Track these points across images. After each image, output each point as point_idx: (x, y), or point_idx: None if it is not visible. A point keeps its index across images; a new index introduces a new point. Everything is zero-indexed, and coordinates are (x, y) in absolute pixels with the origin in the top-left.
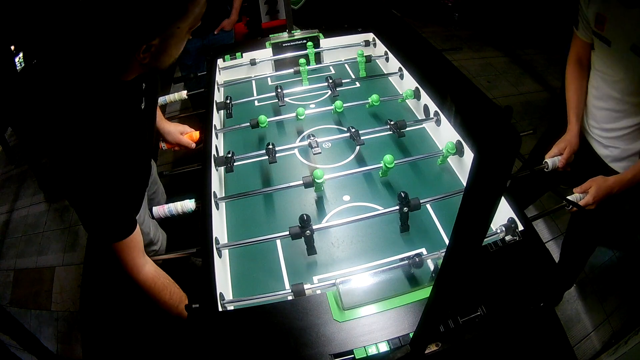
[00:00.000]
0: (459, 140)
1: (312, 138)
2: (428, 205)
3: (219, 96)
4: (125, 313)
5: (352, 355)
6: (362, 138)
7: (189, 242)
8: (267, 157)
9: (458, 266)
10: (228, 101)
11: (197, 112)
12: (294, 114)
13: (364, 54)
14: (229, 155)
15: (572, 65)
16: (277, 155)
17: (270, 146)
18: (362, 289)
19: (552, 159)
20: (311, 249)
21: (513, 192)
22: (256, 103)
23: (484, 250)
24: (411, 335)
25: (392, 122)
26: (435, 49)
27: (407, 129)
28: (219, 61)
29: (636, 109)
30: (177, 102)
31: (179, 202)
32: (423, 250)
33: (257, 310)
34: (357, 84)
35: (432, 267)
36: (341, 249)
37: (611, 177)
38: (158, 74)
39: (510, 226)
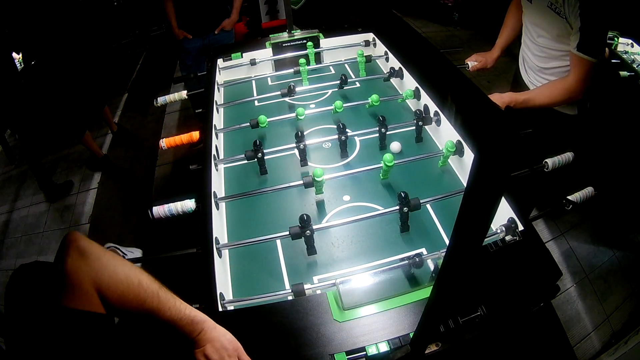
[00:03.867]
0: (459, 140)
1: (301, 146)
2: (428, 205)
3: (219, 96)
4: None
5: (364, 353)
6: (360, 139)
7: (189, 242)
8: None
9: (458, 266)
10: (292, 87)
11: (197, 111)
12: (294, 114)
13: (364, 54)
14: (257, 145)
15: (513, 6)
16: (276, 155)
17: (258, 143)
18: (362, 289)
19: (552, 159)
20: (311, 249)
21: (514, 192)
22: (256, 103)
23: (484, 250)
24: (411, 335)
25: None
26: (435, 49)
27: (407, 129)
28: (219, 61)
29: (555, 53)
30: (177, 102)
31: (179, 202)
32: (423, 250)
33: (257, 310)
34: (357, 84)
35: (432, 267)
36: (341, 249)
37: (507, 93)
38: None
39: (510, 226)
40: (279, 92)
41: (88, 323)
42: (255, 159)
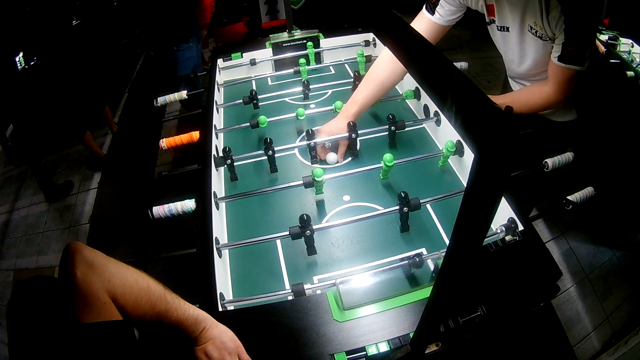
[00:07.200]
0: (459, 140)
1: (311, 143)
2: (428, 205)
3: (219, 96)
4: None
5: (364, 353)
6: (360, 139)
7: (189, 242)
8: (265, 156)
9: (458, 266)
10: (253, 95)
11: (197, 112)
12: (294, 114)
13: (364, 54)
14: (227, 151)
15: (388, 57)
16: (276, 154)
17: (269, 141)
18: (362, 289)
19: (552, 159)
20: (311, 249)
21: (516, 193)
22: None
23: (484, 250)
24: (411, 335)
25: (391, 118)
26: (435, 49)
27: (407, 129)
28: (219, 61)
29: (544, 75)
30: (177, 102)
31: (179, 202)
32: (423, 250)
33: (257, 310)
34: (357, 84)
35: (432, 267)
36: (341, 249)
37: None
38: None
39: (510, 226)
40: (241, 100)
41: (115, 333)
42: (266, 157)
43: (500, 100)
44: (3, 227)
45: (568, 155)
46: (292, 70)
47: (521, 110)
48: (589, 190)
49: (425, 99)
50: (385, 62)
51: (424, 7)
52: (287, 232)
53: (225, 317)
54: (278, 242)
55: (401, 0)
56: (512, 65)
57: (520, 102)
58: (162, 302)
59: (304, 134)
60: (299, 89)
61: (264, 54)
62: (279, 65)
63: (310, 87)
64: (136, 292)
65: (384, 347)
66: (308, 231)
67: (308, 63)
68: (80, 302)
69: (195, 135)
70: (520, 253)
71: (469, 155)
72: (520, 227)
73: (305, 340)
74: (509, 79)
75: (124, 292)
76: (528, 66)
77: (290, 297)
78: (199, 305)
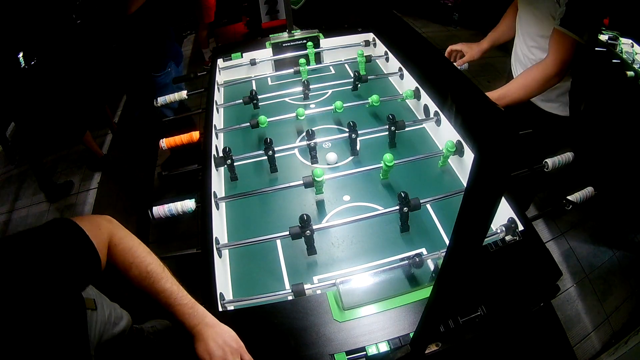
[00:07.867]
0: (459, 140)
1: (311, 143)
2: (428, 206)
3: (219, 96)
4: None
5: (364, 353)
6: (359, 139)
7: (189, 242)
8: (265, 156)
9: (458, 266)
10: (253, 95)
11: (197, 111)
12: (294, 114)
13: (364, 54)
14: (227, 151)
15: (512, 6)
16: (276, 154)
17: (269, 141)
18: (362, 289)
19: (552, 159)
20: (311, 249)
21: (513, 192)
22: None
23: (484, 250)
24: (411, 335)
25: (391, 118)
26: (435, 49)
27: (407, 129)
28: (219, 61)
29: (546, 44)
30: (176, 103)
31: (179, 202)
32: (423, 250)
33: (257, 310)
34: (358, 84)
35: (432, 267)
36: (341, 249)
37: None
38: None
39: (510, 226)
40: (241, 100)
41: (76, 238)
42: (266, 157)
43: (497, 93)
44: (3, 227)
45: (568, 155)
46: (292, 70)
47: (520, 95)
48: (589, 190)
49: (425, 99)
50: (507, 17)
51: None
52: (287, 232)
53: (225, 317)
54: (278, 242)
55: (401, 0)
56: (519, 28)
57: (518, 86)
58: (157, 267)
59: (304, 134)
60: (299, 89)
61: (264, 54)
62: (279, 65)
63: (310, 87)
64: (135, 244)
65: (384, 347)
66: (308, 231)
67: (308, 63)
68: (81, 220)
69: (195, 135)
70: (520, 253)
71: (469, 155)
72: (520, 227)
73: (305, 340)
74: (513, 55)
75: (122, 238)
76: (532, 27)
77: (290, 297)
78: None
